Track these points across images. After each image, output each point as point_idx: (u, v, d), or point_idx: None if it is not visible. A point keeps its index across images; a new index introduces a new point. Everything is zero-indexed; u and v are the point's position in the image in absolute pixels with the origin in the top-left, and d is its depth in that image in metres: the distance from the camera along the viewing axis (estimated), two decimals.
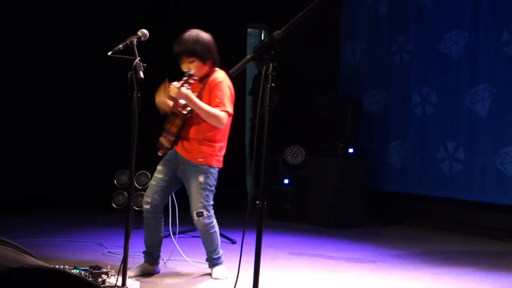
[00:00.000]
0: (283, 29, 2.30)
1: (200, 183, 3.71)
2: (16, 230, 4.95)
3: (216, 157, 3.79)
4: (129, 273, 3.69)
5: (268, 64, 2.29)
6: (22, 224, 5.41)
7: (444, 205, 6.28)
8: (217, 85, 3.72)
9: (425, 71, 6.43)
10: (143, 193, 5.96)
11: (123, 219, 2.97)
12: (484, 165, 5.87)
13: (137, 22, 4.35)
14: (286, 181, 6.66)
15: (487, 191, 5.83)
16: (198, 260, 4.15)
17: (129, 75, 2.95)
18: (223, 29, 7.02)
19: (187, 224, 5.00)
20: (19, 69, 6.09)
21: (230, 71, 2.41)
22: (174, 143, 3.80)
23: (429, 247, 5.32)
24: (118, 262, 3.49)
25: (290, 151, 6.73)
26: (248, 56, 2.38)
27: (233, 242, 5.02)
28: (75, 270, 3.30)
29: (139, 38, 3.14)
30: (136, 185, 5.96)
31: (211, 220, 3.77)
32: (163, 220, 3.84)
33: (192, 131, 3.77)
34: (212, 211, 3.77)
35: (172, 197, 3.91)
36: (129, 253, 2.93)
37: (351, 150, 6.43)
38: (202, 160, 3.73)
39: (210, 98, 3.72)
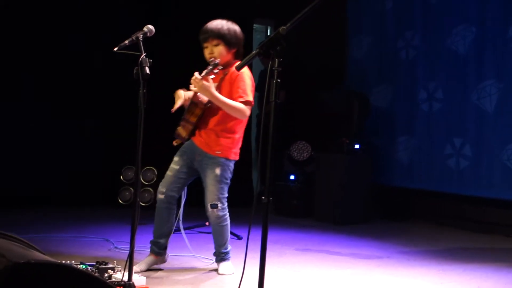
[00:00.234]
0: (288, 24, 2.30)
1: (217, 176, 3.71)
2: (23, 226, 4.98)
3: (234, 150, 3.79)
4: (135, 268, 3.71)
5: (273, 59, 2.29)
6: (29, 220, 5.43)
7: (450, 201, 6.27)
8: (239, 75, 3.69)
9: (432, 66, 6.41)
10: (149, 189, 6.02)
11: (129, 214, 2.98)
12: (491, 161, 5.85)
13: (139, 20, 4.33)
14: (292, 177, 6.66)
15: (494, 187, 5.81)
16: (205, 255, 4.15)
17: (135, 71, 2.95)
18: None
19: (193, 220, 5.02)
20: (19, 69, 6.08)
21: (235, 66, 2.41)
22: (192, 133, 3.79)
23: (436, 243, 5.30)
24: (124, 257, 3.50)
25: (296, 147, 6.73)
26: (253, 52, 2.37)
27: (239, 238, 5.02)
28: (81, 266, 3.32)
29: (145, 34, 3.13)
30: (142, 181, 5.98)
31: (224, 213, 3.77)
32: (175, 211, 3.84)
33: (211, 122, 3.75)
34: (226, 204, 3.77)
35: (185, 192, 3.90)
36: (135, 249, 2.94)
37: (357, 146, 6.42)
38: (220, 152, 3.73)
39: (231, 89, 3.69)
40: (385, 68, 6.91)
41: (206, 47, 3.74)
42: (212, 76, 3.61)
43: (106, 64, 6.29)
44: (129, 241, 2.93)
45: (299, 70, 7.09)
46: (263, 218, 2.28)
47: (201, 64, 3.72)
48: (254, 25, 7.66)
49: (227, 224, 3.82)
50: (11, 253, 1.66)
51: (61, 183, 6.30)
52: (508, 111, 5.73)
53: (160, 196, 3.78)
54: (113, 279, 3.17)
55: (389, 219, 6.44)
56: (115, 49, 3.03)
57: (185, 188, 3.88)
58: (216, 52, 3.68)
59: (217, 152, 3.73)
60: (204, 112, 3.74)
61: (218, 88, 3.70)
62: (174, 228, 3.87)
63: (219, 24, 3.72)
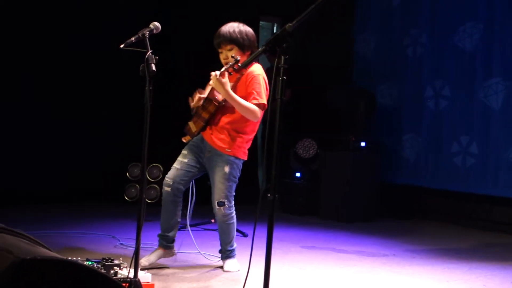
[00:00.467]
0: (295, 21, 2.29)
1: (225, 174, 3.71)
2: (30, 223, 4.99)
3: (243, 149, 3.79)
4: (144, 261, 3.72)
5: (279, 57, 2.28)
6: (35, 217, 5.45)
7: (457, 199, 6.25)
8: (254, 77, 3.70)
9: (439, 64, 6.39)
10: (155, 186, 6.03)
11: (135, 211, 2.98)
12: (497, 159, 5.83)
13: (144, 18, 4.31)
14: (298, 174, 6.66)
15: (501, 185, 5.79)
16: (210, 253, 4.16)
17: (141, 68, 2.95)
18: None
19: (198, 217, 5.02)
20: (19, 69, 6.07)
21: (241, 64, 2.40)
22: (203, 129, 3.79)
23: (441, 241, 5.29)
24: (130, 254, 3.51)
25: (302, 144, 6.72)
26: (259, 49, 2.37)
27: (244, 235, 5.03)
28: (87, 262, 3.33)
29: (151, 31, 3.13)
30: (148, 178, 5.99)
31: (231, 211, 3.78)
32: (181, 205, 3.84)
33: (223, 120, 3.75)
34: (233, 202, 3.78)
35: (192, 188, 3.90)
36: (141, 246, 2.94)
37: (363, 144, 6.41)
38: (230, 150, 3.73)
39: (246, 90, 3.70)
40: (391, 66, 6.89)
41: (221, 52, 3.76)
42: (231, 72, 3.62)
43: (107, 64, 6.30)
44: (135, 238, 2.94)
45: (305, 68, 7.08)
46: (269, 215, 2.28)
47: (205, 63, 3.73)
48: (261, 22, 7.65)
49: (233, 222, 3.82)
50: (18, 249, 1.66)
51: (68, 180, 6.31)
52: None
53: (167, 189, 3.78)
54: (119, 276, 3.17)
55: (395, 217, 6.43)
56: (122, 46, 3.03)
57: (194, 187, 3.89)
58: (230, 56, 3.69)
59: (227, 150, 3.73)
60: (218, 110, 3.75)
61: (233, 89, 3.71)
62: (180, 220, 3.86)
63: (231, 28, 3.73)
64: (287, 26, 2.28)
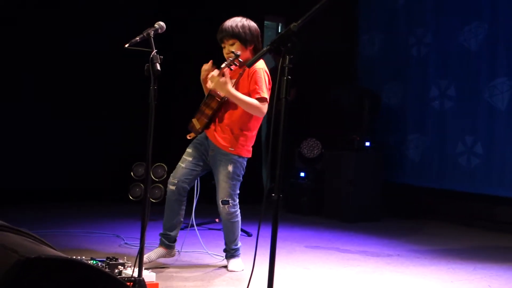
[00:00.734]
0: (299, 21, 2.29)
1: (229, 172, 3.71)
2: (35, 222, 5.01)
3: (247, 147, 3.78)
4: (144, 259, 3.71)
5: (284, 56, 2.28)
6: (40, 216, 5.46)
7: (462, 200, 6.24)
8: (256, 72, 3.68)
9: (444, 64, 6.37)
10: (160, 185, 6.03)
11: (140, 211, 2.99)
12: (502, 159, 5.82)
13: (144, 18, 4.30)
14: (302, 174, 6.65)
15: (505, 185, 5.77)
16: (215, 252, 4.16)
17: (146, 68, 2.95)
18: None
19: (203, 217, 5.02)
20: (19, 69, 6.07)
21: (246, 64, 2.40)
22: (207, 126, 3.78)
23: (446, 241, 5.28)
24: (134, 253, 3.51)
25: (306, 144, 6.72)
26: (264, 49, 2.37)
27: (249, 234, 5.03)
28: (92, 261, 3.33)
29: (156, 30, 3.13)
30: (153, 177, 5.99)
31: (235, 209, 3.78)
32: (185, 204, 3.84)
33: (227, 117, 3.74)
34: (237, 201, 3.78)
35: (197, 187, 3.90)
36: (145, 245, 2.95)
37: (367, 144, 6.40)
38: (233, 149, 3.72)
39: (249, 85, 3.69)
40: (396, 65, 6.88)
41: (224, 47, 3.75)
42: (232, 68, 3.61)
43: (107, 64, 6.31)
44: (139, 237, 2.95)
45: (310, 67, 7.08)
46: (273, 214, 2.28)
47: (207, 62, 3.73)
48: (265, 22, 7.65)
49: (238, 221, 3.82)
50: (23, 248, 1.67)
51: (72, 180, 6.32)
52: None
53: (171, 188, 3.78)
54: (123, 275, 3.18)
55: (399, 217, 6.42)
56: (126, 45, 3.04)
57: (198, 184, 3.88)
58: (233, 50, 3.68)
59: (230, 148, 3.73)
60: (221, 106, 3.73)
61: (237, 85, 3.70)
62: (182, 219, 3.86)
63: (233, 22, 3.72)
64: (292, 25, 2.28)
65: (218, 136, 3.75)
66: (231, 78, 3.72)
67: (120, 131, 6.56)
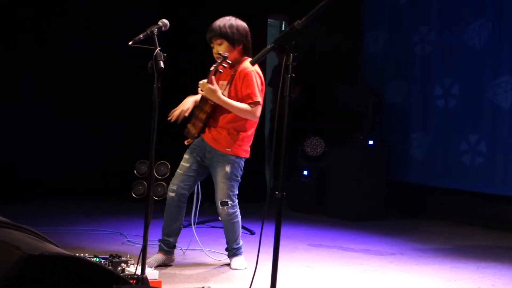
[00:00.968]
0: (304, 19, 2.28)
1: (227, 173, 3.71)
2: (38, 219, 5.01)
3: (244, 147, 3.78)
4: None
5: (288, 54, 2.27)
6: (43, 213, 5.47)
7: (465, 198, 6.22)
8: (247, 75, 3.68)
9: (447, 62, 6.35)
10: (163, 183, 6.03)
11: (143, 208, 2.99)
12: (506, 158, 5.80)
13: (145, 17, 4.26)
14: (305, 172, 6.65)
15: (509, 184, 5.76)
16: (217, 250, 4.16)
17: (149, 65, 2.95)
18: (243, 20, 7.00)
19: (205, 215, 5.02)
20: (19, 69, 6.06)
21: (250, 61, 2.40)
22: (202, 130, 3.78)
23: (449, 240, 5.27)
24: (137, 251, 3.51)
25: (309, 142, 6.71)
26: (268, 46, 2.36)
27: (252, 233, 5.03)
28: (95, 259, 3.34)
29: (159, 28, 3.13)
30: (156, 175, 6.00)
31: (235, 210, 3.78)
32: (185, 209, 3.84)
33: (222, 120, 3.74)
34: (236, 201, 3.78)
35: (198, 187, 3.90)
36: (148, 243, 2.95)
37: (371, 142, 6.39)
38: (230, 150, 3.72)
39: (241, 87, 3.69)
40: (400, 64, 6.86)
41: (213, 47, 3.75)
42: (221, 70, 3.61)
43: (107, 64, 6.31)
44: (142, 234, 2.95)
45: (314, 66, 7.06)
46: (277, 212, 2.28)
47: (210, 60, 3.72)
48: (269, 20, 7.64)
49: (238, 221, 3.82)
50: (26, 245, 1.67)
51: (75, 177, 6.33)
52: None
53: (171, 194, 3.78)
54: (126, 273, 3.18)
55: (403, 215, 6.41)
56: (130, 43, 3.03)
57: (199, 187, 3.88)
58: (221, 51, 3.68)
59: (227, 149, 3.72)
60: (215, 109, 3.73)
61: (229, 86, 3.71)
62: (182, 226, 3.87)
63: (221, 22, 3.71)
64: (296, 23, 2.27)
65: (214, 137, 3.75)
66: (222, 80, 3.73)
67: (120, 131, 6.54)
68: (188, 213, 3.92)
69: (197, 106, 3.77)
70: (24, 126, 6.10)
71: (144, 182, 6.17)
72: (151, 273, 3.23)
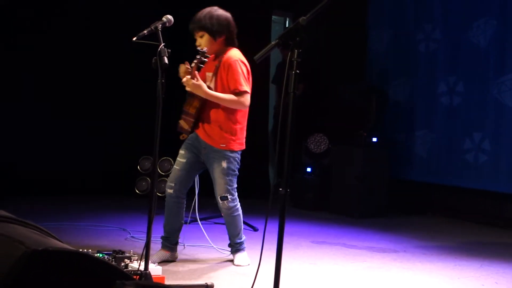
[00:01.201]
0: (308, 15, 2.28)
1: (224, 169, 3.71)
2: (42, 215, 5.02)
3: (238, 141, 3.77)
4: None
5: (293, 50, 2.27)
6: (48, 209, 5.48)
7: (469, 196, 6.21)
8: (231, 65, 3.66)
9: (452, 60, 6.33)
10: (166, 179, 6.02)
11: (146, 204, 2.99)
12: (510, 156, 5.79)
13: (145, 17, 4.24)
14: (308, 169, 6.64)
15: None
16: (220, 246, 4.16)
17: (153, 61, 2.94)
18: (247, 17, 6.98)
19: (209, 211, 5.02)
20: (19, 69, 6.05)
21: (254, 58, 2.39)
22: (195, 126, 3.77)
23: (453, 238, 5.27)
24: (140, 247, 3.51)
25: (313, 139, 6.70)
26: (273, 42, 2.36)
27: (255, 229, 5.03)
28: (98, 254, 3.34)
29: (163, 23, 3.12)
30: (159, 171, 6.00)
31: (235, 204, 3.78)
32: (185, 205, 3.85)
33: (212, 114, 3.73)
34: (236, 195, 3.78)
35: (195, 182, 3.90)
36: (151, 238, 2.95)
37: (374, 139, 6.38)
38: (224, 145, 3.72)
39: (226, 78, 3.68)
40: (404, 61, 6.84)
41: (196, 38, 3.73)
42: (201, 65, 3.59)
43: (107, 64, 6.31)
44: (145, 230, 2.95)
45: (318, 63, 7.05)
46: (280, 209, 2.27)
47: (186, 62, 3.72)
48: (273, 17, 7.63)
49: (239, 214, 3.82)
50: (29, 240, 1.67)
51: (79, 173, 6.33)
52: None
53: (169, 191, 3.78)
54: (130, 268, 3.18)
55: (406, 213, 6.41)
56: (134, 39, 3.03)
57: (197, 179, 3.88)
58: (202, 43, 3.66)
59: (221, 145, 3.71)
60: (204, 103, 3.71)
61: (215, 77, 3.69)
62: (183, 222, 3.87)
63: (201, 14, 3.69)
64: (300, 19, 2.27)
65: (208, 134, 3.74)
66: (207, 71, 3.72)
67: (120, 130, 6.52)
68: (189, 209, 3.92)
69: (186, 102, 3.75)
70: (24, 126, 6.10)
71: (148, 178, 6.17)
72: (154, 269, 3.23)
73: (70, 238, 4.19)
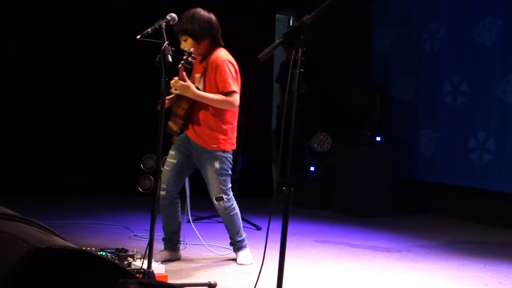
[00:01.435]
0: (313, 13, 2.27)
1: (216, 170, 3.70)
2: (45, 213, 5.02)
3: (230, 141, 3.76)
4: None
5: (297, 49, 2.26)
6: (51, 207, 5.48)
7: (473, 196, 6.19)
8: (218, 65, 3.65)
9: (457, 59, 6.31)
10: None
11: (149, 203, 2.98)
12: None
13: (145, 17, 4.23)
14: (312, 168, 6.63)
15: None
16: (223, 245, 4.16)
17: (157, 59, 2.94)
18: (251, 15, 6.97)
19: (211, 209, 5.02)
20: (19, 69, 6.06)
21: (258, 56, 2.38)
22: (185, 127, 3.75)
23: (457, 237, 5.25)
24: (144, 245, 3.51)
25: (316, 138, 6.70)
26: (277, 41, 2.35)
27: (258, 228, 5.02)
28: (101, 252, 3.34)
29: (167, 22, 3.12)
30: (163, 169, 6.00)
31: (231, 203, 3.78)
32: (179, 205, 3.83)
33: (202, 115, 3.71)
34: (231, 194, 3.77)
35: (186, 183, 3.90)
36: (154, 237, 2.95)
37: (378, 139, 6.36)
38: (216, 146, 3.70)
39: (215, 78, 3.66)
40: (409, 60, 6.83)
41: (180, 41, 3.72)
42: (189, 66, 3.58)
43: (107, 64, 6.31)
44: (149, 229, 2.95)
45: (321, 62, 7.03)
46: (284, 207, 2.27)
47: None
48: (277, 15, 7.62)
49: (236, 213, 3.82)
50: (33, 238, 1.67)
51: (83, 172, 6.34)
52: None
53: (162, 193, 3.75)
54: (133, 267, 3.18)
55: (410, 212, 6.39)
56: (138, 37, 3.02)
57: (187, 180, 3.88)
58: (187, 47, 3.63)
59: (213, 145, 3.70)
60: (192, 105, 3.69)
61: (203, 78, 3.69)
62: (181, 221, 3.86)
63: (184, 17, 3.66)
64: (305, 18, 2.26)
65: (198, 135, 3.72)
66: (195, 73, 3.72)
67: (120, 130, 6.52)
68: (183, 209, 3.91)
69: (174, 104, 3.73)
70: (24, 126, 6.11)
71: (151, 177, 6.17)
72: (158, 267, 3.23)
73: (73, 236, 4.19)
